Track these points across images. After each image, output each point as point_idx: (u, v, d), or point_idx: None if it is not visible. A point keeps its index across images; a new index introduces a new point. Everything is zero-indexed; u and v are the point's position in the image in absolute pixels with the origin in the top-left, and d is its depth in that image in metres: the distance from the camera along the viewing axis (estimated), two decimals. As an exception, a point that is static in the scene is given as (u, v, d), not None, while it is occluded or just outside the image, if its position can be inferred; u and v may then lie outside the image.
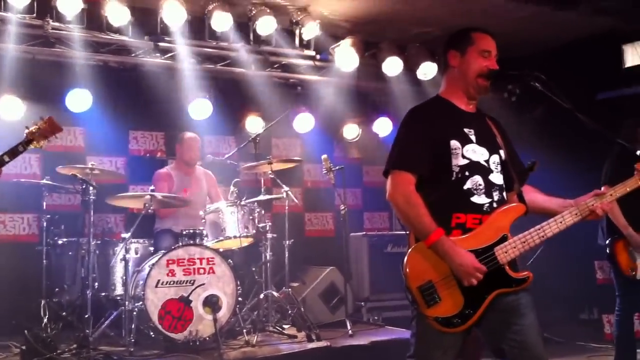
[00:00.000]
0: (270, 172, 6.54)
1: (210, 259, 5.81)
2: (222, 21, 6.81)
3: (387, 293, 7.29)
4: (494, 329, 3.05)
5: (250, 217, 6.28)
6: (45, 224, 6.16)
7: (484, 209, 3.05)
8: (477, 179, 3.07)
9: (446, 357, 3.06)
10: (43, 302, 5.89)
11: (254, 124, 7.79)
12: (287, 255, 6.60)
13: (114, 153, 7.46)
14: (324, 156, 6.71)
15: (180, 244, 5.91)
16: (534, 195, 3.33)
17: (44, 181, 6.19)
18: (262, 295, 6.33)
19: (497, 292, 2.99)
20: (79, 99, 6.79)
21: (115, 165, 7.52)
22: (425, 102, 3.31)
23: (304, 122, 7.99)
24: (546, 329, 7.36)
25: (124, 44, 6.86)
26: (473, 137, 3.13)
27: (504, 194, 3.17)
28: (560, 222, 3.07)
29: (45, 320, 5.78)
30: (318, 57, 7.74)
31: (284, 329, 6.23)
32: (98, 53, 6.87)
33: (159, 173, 6.75)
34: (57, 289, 6.12)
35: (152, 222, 6.66)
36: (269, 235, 6.50)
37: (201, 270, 5.76)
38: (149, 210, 5.98)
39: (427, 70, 7.99)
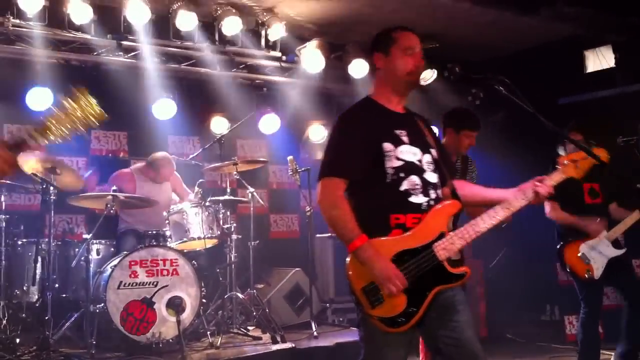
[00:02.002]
0: (235, 173, 6.51)
1: (173, 260, 5.76)
2: (186, 21, 6.77)
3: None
4: (431, 327, 3.07)
5: (215, 218, 6.24)
6: (4, 224, 6.02)
7: (422, 207, 3.06)
8: (414, 179, 3.08)
9: (398, 355, 3.06)
10: (2, 303, 5.74)
11: (219, 125, 7.75)
12: (252, 256, 6.57)
13: (76, 153, 7.34)
14: (290, 157, 6.70)
15: (144, 245, 5.84)
16: (474, 189, 3.43)
17: (3, 181, 6.06)
18: (226, 297, 6.28)
19: (438, 288, 3.01)
20: (40, 98, 6.66)
21: (77, 164, 7.40)
22: (355, 105, 3.29)
23: (270, 123, 7.97)
24: (508, 330, 7.50)
25: (86, 42, 6.76)
26: (405, 138, 3.13)
27: (439, 191, 3.19)
28: (493, 217, 3.12)
29: (4, 322, 5.63)
30: (284, 58, 7.73)
31: (248, 330, 6.20)
32: (60, 51, 6.76)
33: (120, 172, 6.67)
34: (16, 291, 5.99)
35: (114, 222, 6.58)
36: (234, 237, 6.46)
37: (164, 272, 5.70)
38: (111, 211, 5.89)
39: (393, 73, 8.02)
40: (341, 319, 7.13)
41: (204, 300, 5.89)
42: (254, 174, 7.10)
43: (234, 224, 6.51)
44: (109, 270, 5.62)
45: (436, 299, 3.03)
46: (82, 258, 5.89)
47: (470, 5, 6.99)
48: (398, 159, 3.06)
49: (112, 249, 6.22)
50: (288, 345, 5.81)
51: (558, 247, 5.63)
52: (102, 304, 5.51)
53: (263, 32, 7.37)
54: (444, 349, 3.06)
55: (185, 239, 6.09)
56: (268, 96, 8.06)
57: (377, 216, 3.01)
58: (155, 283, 5.64)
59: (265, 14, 7.22)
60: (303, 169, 6.75)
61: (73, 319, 5.80)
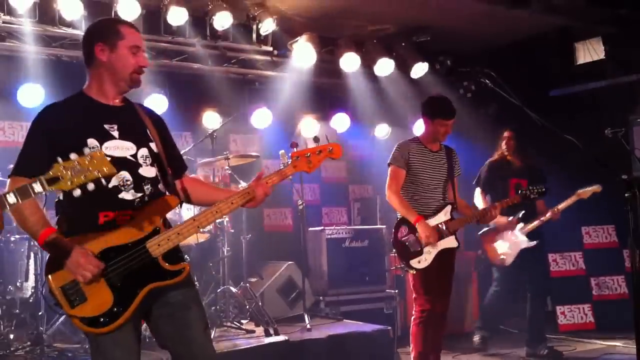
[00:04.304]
0: (227, 167, 6.52)
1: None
2: (177, 16, 6.77)
3: (346, 287, 7.35)
4: (159, 326, 3.06)
5: (208, 213, 6.24)
6: (-4, 220, 6.02)
7: (135, 204, 2.98)
8: (124, 174, 2.96)
9: (124, 353, 2.94)
10: (-5, 300, 5.78)
11: (211, 120, 7.73)
12: (244, 250, 6.60)
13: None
14: (282, 152, 6.67)
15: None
16: (203, 188, 3.38)
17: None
18: (219, 291, 6.31)
19: (152, 285, 2.93)
20: (31, 94, 6.65)
21: (69, 160, 7.38)
22: (64, 99, 3.12)
23: (262, 117, 7.98)
24: (501, 321, 7.54)
25: (77, 38, 6.74)
26: (115, 133, 3.01)
27: (159, 186, 3.12)
28: (216, 212, 3.09)
29: (-3, 318, 5.66)
30: (275, 52, 7.74)
31: (241, 324, 6.22)
32: (50, 47, 6.75)
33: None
34: (10, 287, 5.97)
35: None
36: (227, 231, 6.48)
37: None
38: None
39: (384, 66, 8.06)
40: (334, 312, 7.16)
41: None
42: (247, 168, 7.10)
43: (227, 218, 6.52)
44: (102, 265, 5.61)
45: (160, 297, 2.98)
46: (75, 253, 5.88)
47: (460, -3, 7.02)
48: (105, 155, 2.83)
49: (105, 245, 6.22)
50: (281, 338, 5.83)
51: (479, 234, 6.44)
52: (96, 299, 5.50)
53: (254, 27, 7.39)
54: (172, 348, 3.08)
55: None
56: (260, 91, 8.07)
57: (86, 214, 2.90)
58: (148, 278, 5.64)
59: (256, 8, 7.23)
60: (295, 163, 6.74)
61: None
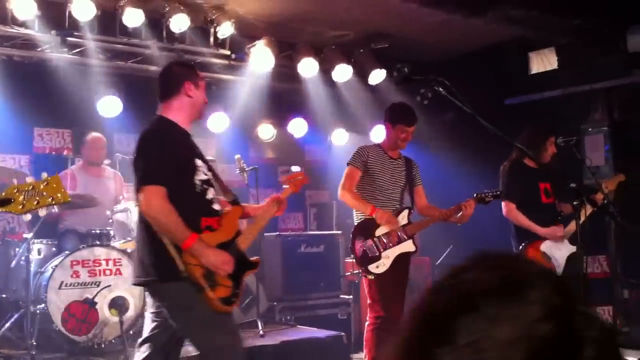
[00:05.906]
0: (182, 171, 6.44)
1: (117, 260, 5.68)
2: (133, 17, 6.65)
3: (300, 293, 7.32)
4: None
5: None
6: (-59, 223, 5.87)
7: (220, 213, 3.75)
8: (213, 190, 3.74)
9: (235, 324, 3.83)
10: (-61, 305, 5.61)
11: (166, 123, 7.63)
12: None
13: (18, 150, 7.17)
14: (237, 156, 6.66)
15: (86, 244, 5.74)
16: None
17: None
18: (172, 297, 6.21)
19: (244, 273, 3.76)
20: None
21: (19, 163, 7.23)
22: (161, 124, 3.77)
23: (219, 121, 7.91)
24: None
25: (29, 37, 6.60)
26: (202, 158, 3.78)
27: None
28: (262, 219, 4.04)
29: (-59, 324, 5.50)
30: (233, 56, 7.68)
31: (194, 330, 6.13)
32: (2, 47, 6.60)
33: (62, 175, 6.55)
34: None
35: (56, 222, 6.44)
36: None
37: (107, 272, 5.62)
38: (53, 211, 5.76)
39: (342, 72, 8.06)
40: (288, 317, 7.13)
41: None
42: (202, 172, 7.03)
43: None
44: (50, 270, 5.51)
45: None
46: (23, 258, 5.77)
47: (418, 6, 7.04)
48: (205, 173, 3.69)
49: (54, 249, 6.10)
50: (234, 344, 5.77)
51: (520, 247, 5.69)
52: (43, 305, 5.41)
53: (212, 30, 7.31)
54: (171, 344, 3.81)
55: (129, 239, 6.01)
56: (217, 94, 7.97)
57: (192, 219, 3.51)
58: (97, 283, 5.56)
59: (214, 11, 7.15)
60: (251, 167, 6.71)
61: (13, 319, 5.66)
